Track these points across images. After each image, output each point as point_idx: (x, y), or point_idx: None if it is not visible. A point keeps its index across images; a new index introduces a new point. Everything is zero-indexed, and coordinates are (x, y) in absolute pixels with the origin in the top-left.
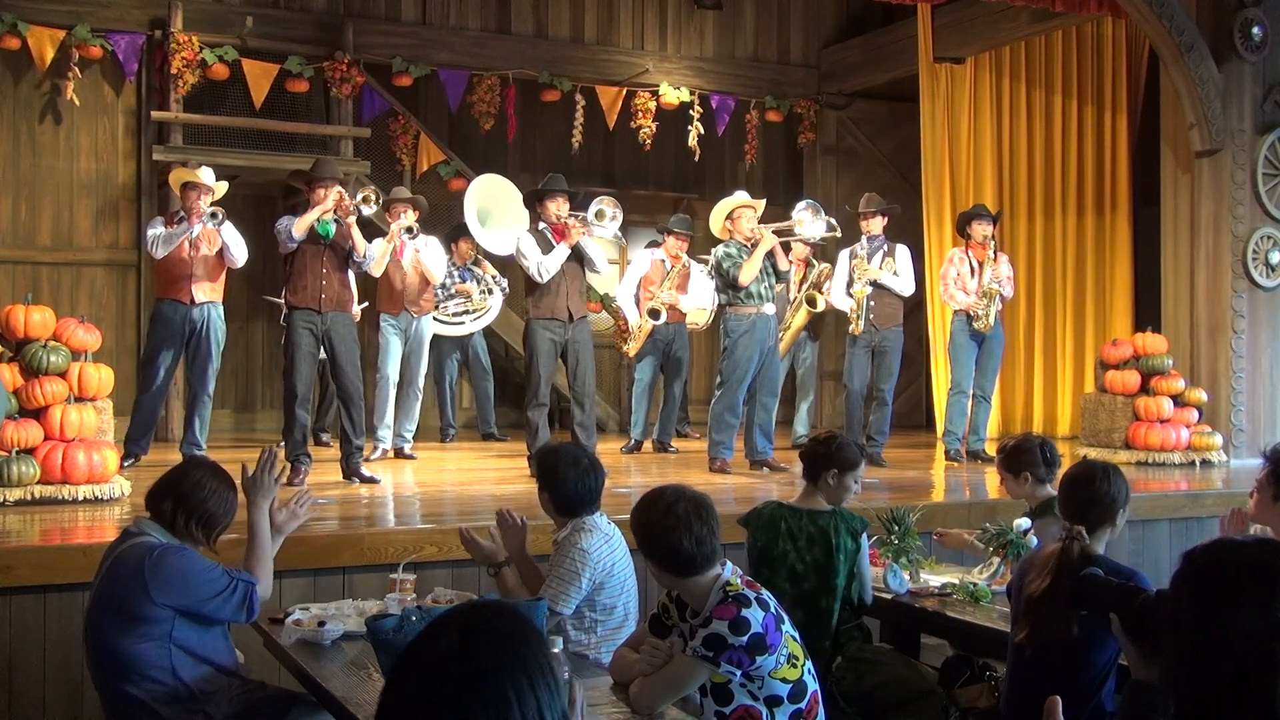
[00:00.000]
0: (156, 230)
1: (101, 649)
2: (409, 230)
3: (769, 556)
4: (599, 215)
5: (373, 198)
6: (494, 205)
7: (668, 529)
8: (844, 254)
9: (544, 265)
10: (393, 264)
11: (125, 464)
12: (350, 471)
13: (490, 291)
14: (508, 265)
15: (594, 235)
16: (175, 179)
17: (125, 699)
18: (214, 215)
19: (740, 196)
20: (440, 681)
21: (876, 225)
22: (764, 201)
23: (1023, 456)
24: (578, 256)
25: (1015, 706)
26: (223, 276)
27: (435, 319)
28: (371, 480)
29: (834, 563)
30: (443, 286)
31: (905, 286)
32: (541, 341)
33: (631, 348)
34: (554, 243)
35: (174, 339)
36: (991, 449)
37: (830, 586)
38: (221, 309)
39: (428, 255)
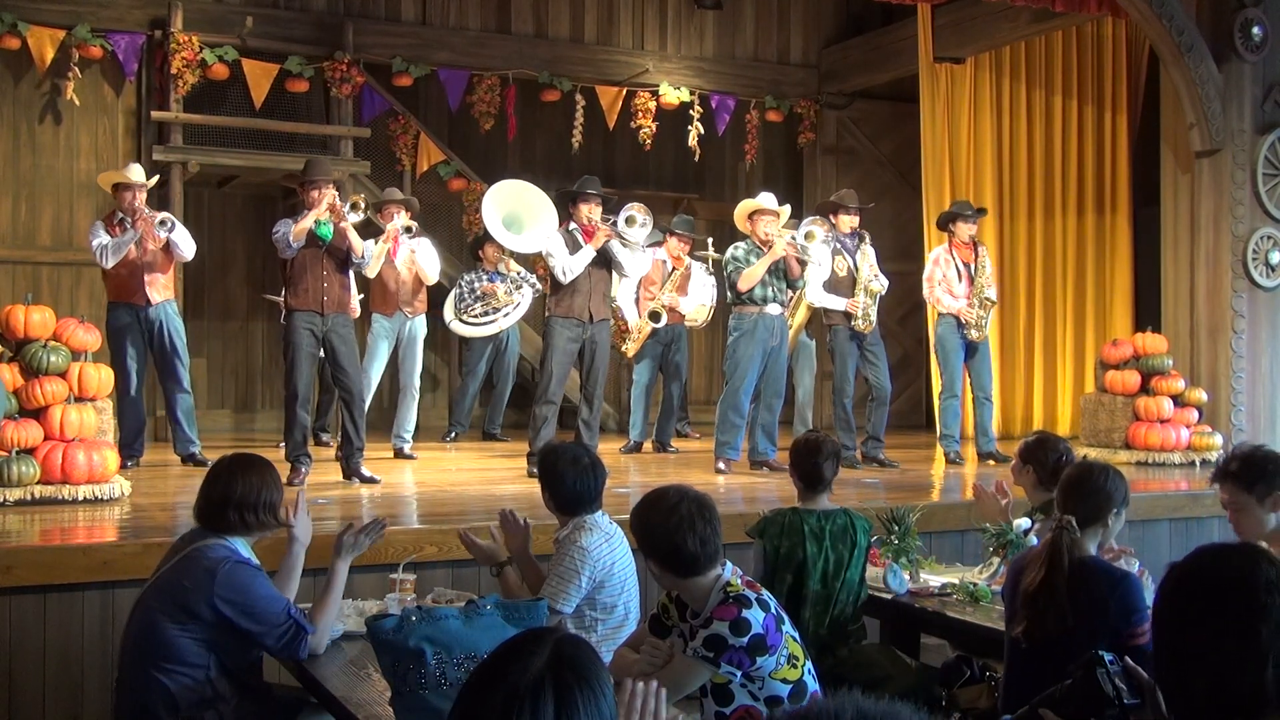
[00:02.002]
0: (101, 240)
1: (145, 631)
2: (408, 229)
3: (792, 561)
4: (629, 221)
5: (361, 204)
6: (524, 209)
7: (671, 529)
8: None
9: (568, 266)
10: (387, 264)
11: (127, 465)
12: (351, 472)
13: (518, 287)
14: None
15: (625, 241)
16: (104, 181)
17: (150, 686)
18: (163, 223)
19: (764, 200)
20: (530, 703)
21: (854, 223)
22: (788, 208)
23: (1038, 453)
24: (605, 261)
25: (1014, 706)
26: (172, 272)
27: (464, 321)
28: (371, 480)
29: (853, 558)
30: (471, 290)
31: (882, 280)
32: (560, 339)
33: (630, 348)
34: (583, 244)
35: (136, 341)
36: (1002, 449)
37: (847, 580)
38: (175, 305)
39: (423, 256)
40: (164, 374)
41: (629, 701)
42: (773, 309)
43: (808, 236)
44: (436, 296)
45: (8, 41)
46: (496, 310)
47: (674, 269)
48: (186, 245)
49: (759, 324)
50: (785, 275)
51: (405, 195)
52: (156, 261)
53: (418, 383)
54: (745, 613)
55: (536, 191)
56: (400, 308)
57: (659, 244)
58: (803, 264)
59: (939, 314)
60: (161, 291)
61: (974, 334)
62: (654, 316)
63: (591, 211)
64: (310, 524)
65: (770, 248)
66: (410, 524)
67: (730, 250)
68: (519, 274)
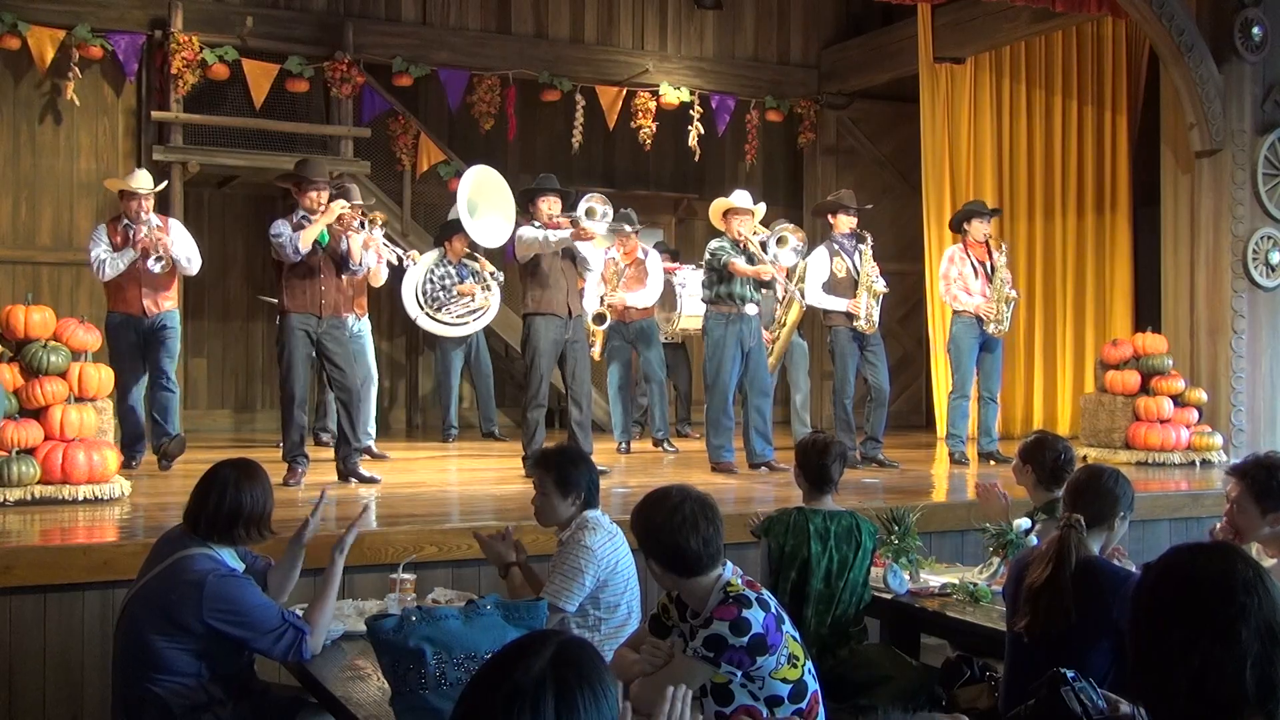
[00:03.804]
0: (100, 252)
1: (135, 642)
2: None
3: (796, 559)
4: (589, 213)
5: (379, 221)
6: (480, 196)
7: (674, 529)
8: (820, 251)
9: (547, 237)
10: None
11: (131, 465)
12: (348, 471)
13: (489, 288)
14: (506, 261)
15: (590, 234)
16: (112, 185)
17: (144, 695)
18: (159, 259)
19: (738, 199)
20: (531, 701)
21: (853, 223)
22: (762, 207)
23: (1037, 453)
24: (570, 255)
25: (1014, 703)
26: (176, 284)
27: (437, 320)
28: (370, 480)
29: (857, 559)
30: (444, 289)
31: (881, 280)
32: (544, 341)
33: (594, 352)
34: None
35: (132, 347)
36: (1004, 449)
37: (850, 581)
38: (178, 315)
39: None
40: (150, 364)
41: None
42: (750, 309)
43: (780, 241)
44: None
45: (8, 41)
46: (471, 312)
47: (625, 266)
48: (192, 260)
49: (735, 325)
50: (759, 279)
51: (363, 200)
52: (158, 278)
53: (373, 380)
54: (745, 613)
55: (504, 185)
56: (353, 309)
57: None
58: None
59: (954, 312)
60: (160, 304)
61: (993, 329)
62: (599, 319)
63: (551, 207)
64: (318, 525)
65: (745, 245)
66: (410, 524)
67: (715, 242)
68: (491, 273)
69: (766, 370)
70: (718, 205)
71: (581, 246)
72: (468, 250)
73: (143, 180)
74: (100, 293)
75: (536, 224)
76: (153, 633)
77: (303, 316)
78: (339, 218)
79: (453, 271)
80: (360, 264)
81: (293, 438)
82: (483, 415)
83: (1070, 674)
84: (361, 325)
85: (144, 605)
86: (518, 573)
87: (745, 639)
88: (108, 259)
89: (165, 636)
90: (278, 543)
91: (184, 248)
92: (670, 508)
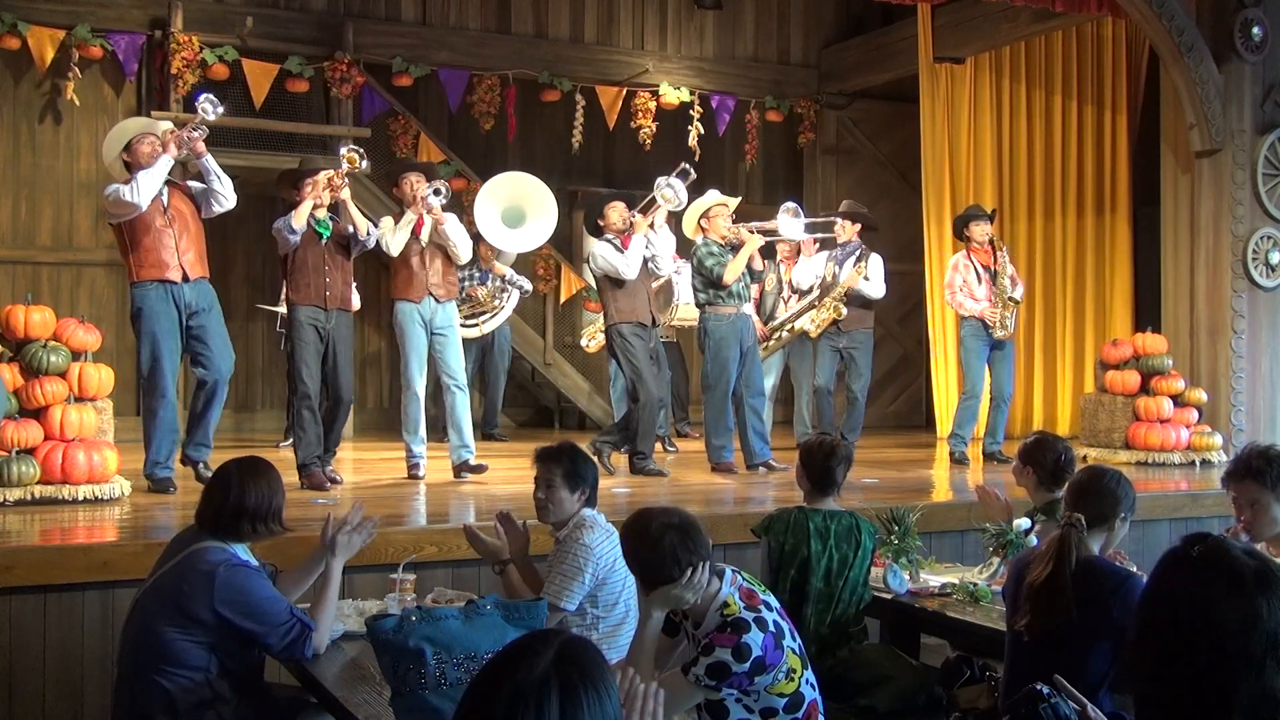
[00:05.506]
0: (116, 188)
1: (145, 635)
2: (437, 192)
3: (796, 558)
4: (664, 198)
5: (356, 158)
6: (523, 201)
7: (657, 564)
8: (819, 256)
9: (628, 262)
10: (411, 240)
11: (170, 490)
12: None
13: (504, 290)
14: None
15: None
16: (110, 151)
17: (151, 689)
18: (203, 118)
19: (712, 196)
20: (535, 701)
21: (851, 231)
22: (738, 199)
23: (1038, 453)
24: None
25: None
26: (204, 243)
27: None
28: (334, 481)
29: (857, 559)
30: (460, 290)
31: (876, 291)
32: (638, 348)
33: (593, 346)
34: (624, 251)
35: (172, 328)
36: (1008, 451)
37: (850, 580)
38: (211, 287)
39: (451, 229)
40: (207, 360)
41: (629, 700)
42: (746, 307)
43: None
44: None
45: (8, 41)
46: (479, 314)
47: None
48: (227, 189)
49: (736, 323)
50: (749, 269)
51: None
52: (190, 230)
53: (464, 377)
54: (745, 638)
55: (533, 181)
56: (430, 291)
57: None
58: (765, 255)
59: (962, 318)
60: (198, 265)
61: (999, 332)
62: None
63: (621, 213)
64: (358, 543)
65: (734, 237)
66: (410, 524)
67: (703, 248)
68: (504, 278)
69: (761, 370)
70: (694, 211)
71: (656, 242)
72: (491, 255)
73: (147, 122)
74: (100, 293)
75: (611, 237)
76: (165, 625)
77: (309, 309)
78: (328, 181)
79: (474, 275)
80: (368, 235)
81: (309, 437)
82: (486, 416)
83: (1046, 690)
84: (448, 310)
85: (156, 598)
86: (514, 570)
87: (747, 664)
88: (133, 180)
89: (177, 628)
90: (288, 543)
91: (216, 165)
92: (651, 543)
